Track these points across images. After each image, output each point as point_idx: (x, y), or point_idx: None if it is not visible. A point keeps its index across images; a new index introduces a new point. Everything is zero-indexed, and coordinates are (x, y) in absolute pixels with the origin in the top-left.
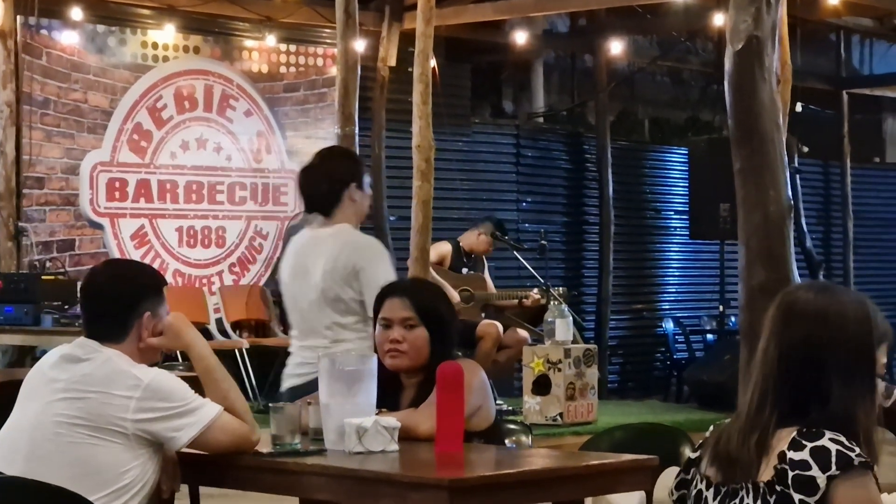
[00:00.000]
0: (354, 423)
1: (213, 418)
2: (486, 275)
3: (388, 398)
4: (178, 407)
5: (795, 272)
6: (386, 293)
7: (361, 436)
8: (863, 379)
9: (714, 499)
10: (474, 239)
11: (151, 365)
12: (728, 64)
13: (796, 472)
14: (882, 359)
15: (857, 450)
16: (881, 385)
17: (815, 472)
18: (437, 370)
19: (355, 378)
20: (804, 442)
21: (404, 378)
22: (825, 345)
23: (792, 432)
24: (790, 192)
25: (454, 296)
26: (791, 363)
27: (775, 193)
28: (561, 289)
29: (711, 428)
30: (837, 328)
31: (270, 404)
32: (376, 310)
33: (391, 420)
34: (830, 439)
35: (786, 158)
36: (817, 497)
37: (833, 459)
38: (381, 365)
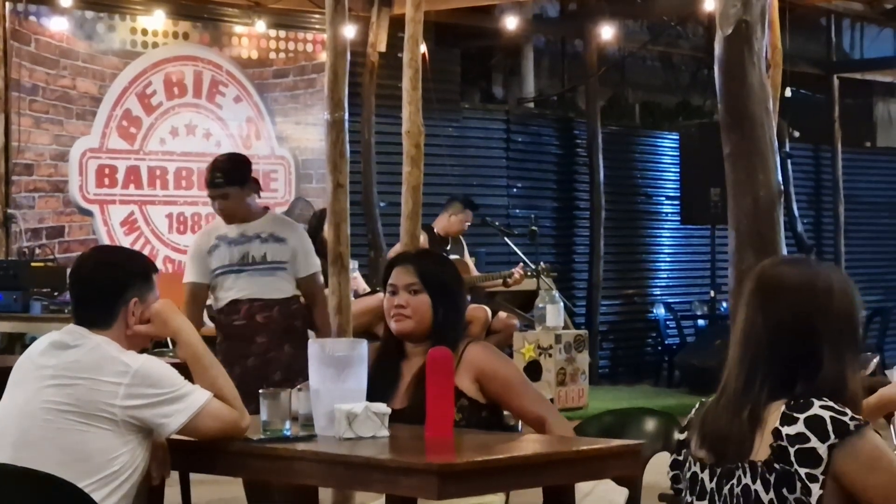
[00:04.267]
0: (345, 408)
1: (203, 405)
2: (467, 258)
3: (391, 368)
4: (168, 393)
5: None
6: (393, 263)
7: (352, 421)
8: (851, 346)
9: (711, 480)
10: (446, 221)
11: (140, 352)
12: (718, 48)
13: (797, 446)
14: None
15: (850, 412)
16: None
17: (814, 443)
18: (427, 355)
19: (345, 363)
20: (795, 415)
21: (409, 347)
22: (816, 315)
23: (780, 406)
24: (780, 177)
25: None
26: (782, 336)
27: (765, 178)
28: (543, 263)
29: (696, 407)
30: (826, 298)
31: (261, 391)
32: (384, 279)
33: (381, 406)
34: (822, 406)
35: (776, 143)
36: (822, 468)
37: (830, 428)
38: (385, 336)
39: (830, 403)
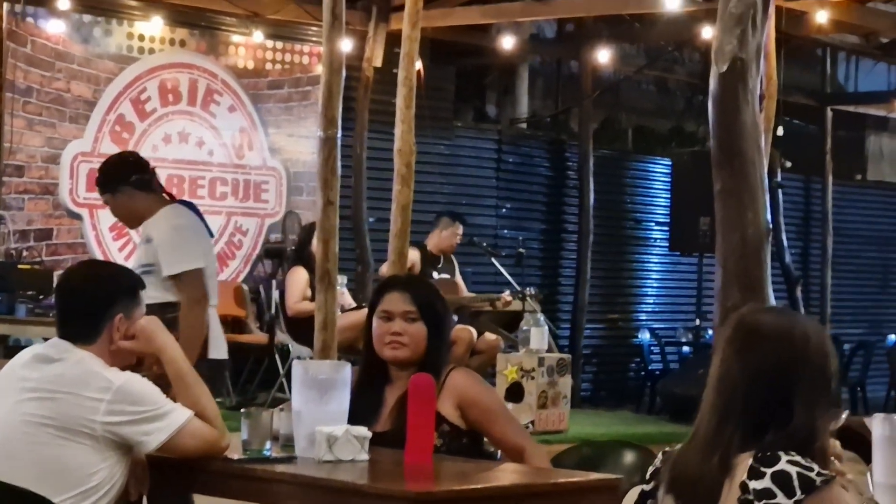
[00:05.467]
0: (325, 431)
1: (183, 423)
2: (458, 278)
3: (374, 391)
4: (149, 411)
5: (771, 295)
6: (386, 287)
7: (332, 444)
8: (823, 398)
9: None
10: (437, 238)
11: (125, 368)
12: (712, 84)
13: (763, 501)
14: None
15: (816, 468)
16: None
17: (780, 499)
18: (409, 381)
19: (328, 386)
20: (762, 469)
21: (395, 370)
22: (791, 366)
23: (748, 458)
24: (770, 215)
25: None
26: (756, 384)
27: (754, 216)
28: (532, 289)
29: (661, 455)
30: (802, 349)
31: (242, 409)
32: (374, 303)
33: (362, 429)
34: (788, 461)
35: (766, 181)
36: None
37: (796, 484)
38: (367, 358)
39: (798, 458)
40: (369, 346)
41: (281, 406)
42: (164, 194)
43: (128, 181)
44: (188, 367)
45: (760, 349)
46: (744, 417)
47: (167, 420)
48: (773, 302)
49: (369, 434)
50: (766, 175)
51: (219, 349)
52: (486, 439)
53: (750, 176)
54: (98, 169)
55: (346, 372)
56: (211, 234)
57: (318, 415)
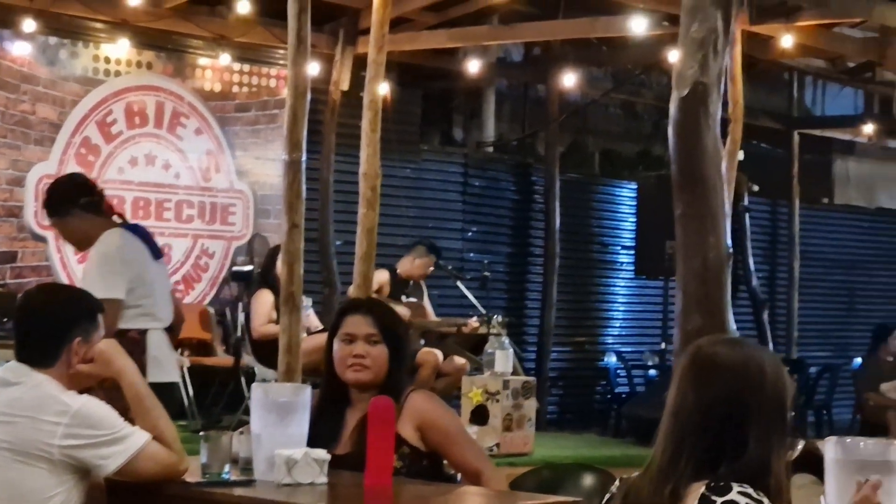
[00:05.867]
0: (284, 454)
1: (141, 447)
2: (426, 302)
3: (335, 414)
4: (106, 434)
5: (731, 320)
6: (347, 310)
7: (291, 467)
8: (778, 431)
9: None
10: (410, 265)
11: (83, 392)
12: (673, 109)
13: None
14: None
15: (766, 501)
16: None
17: None
18: (369, 404)
19: (288, 409)
20: (713, 497)
21: (355, 393)
22: (747, 398)
23: (701, 487)
24: (730, 240)
25: (404, 314)
26: (712, 415)
27: (715, 240)
28: (500, 317)
29: (618, 482)
30: (758, 382)
31: (202, 433)
32: (335, 326)
33: (321, 452)
34: (739, 492)
35: (727, 206)
36: None
37: None
38: (328, 381)
39: (749, 490)
40: (330, 368)
41: (241, 429)
42: (114, 216)
43: (77, 204)
44: (147, 390)
45: (716, 381)
46: (698, 448)
47: (125, 443)
48: (733, 326)
49: (328, 457)
50: (727, 199)
51: (163, 372)
52: (445, 462)
53: (711, 200)
54: (45, 192)
55: (305, 395)
56: (158, 256)
57: (277, 438)
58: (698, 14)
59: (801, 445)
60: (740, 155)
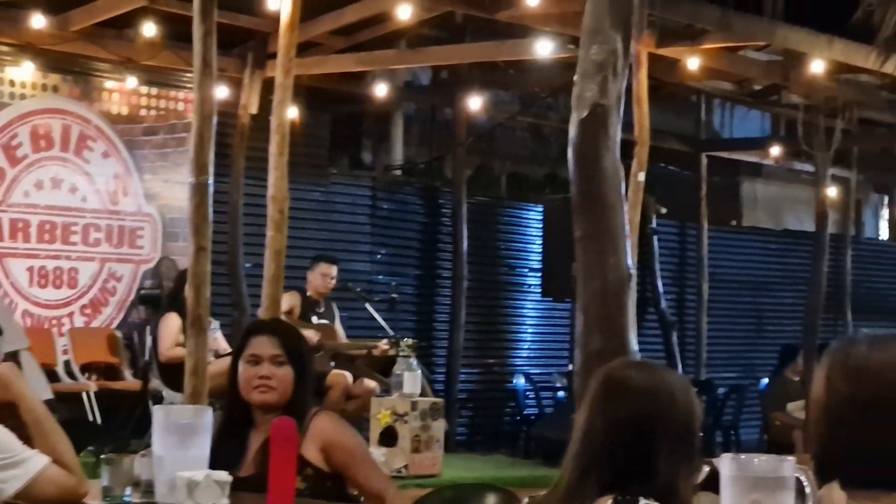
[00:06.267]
0: (186, 476)
1: (40, 470)
2: (337, 324)
3: (239, 436)
4: (4, 458)
5: (633, 341)
6: (252, 331)
7: (192, 490)
8: (687, 454)
9: None
10: (313, 279)
11: None
12: (572, 131)
13: None
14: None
15: None
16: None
17: None
18: (272, 425)
19: (189, 431)
20: None
21: (259, 415)
22: (655, 421)
23: (608, 500)
24: (631, 261)
25: (312, 336)
26: (620, 438)
27: (615, 261)
28: (410, 340)
29: (526, 501)
30: (667, 405)
31: (102, 456)
32: (241, 347)
33: (222, 474)
34: None
35: (627, 227)
36: None
37: None
38: (232, 402)
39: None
40: (234, 390)
41: (142, 451)
42: None
43: None
44: (46, 414)
45: (625, 404)
46: (606, 470)
47: (24, 467)
48: (635, 346)
49: (230, 479)
50: (626, 221)
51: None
52: (349, 483)
53: (611, 221)
54: None
55: (206, 417)
56: None
57: (178, 460)
58: (598, 36)
59: (707, 469)
60: (640, 176)
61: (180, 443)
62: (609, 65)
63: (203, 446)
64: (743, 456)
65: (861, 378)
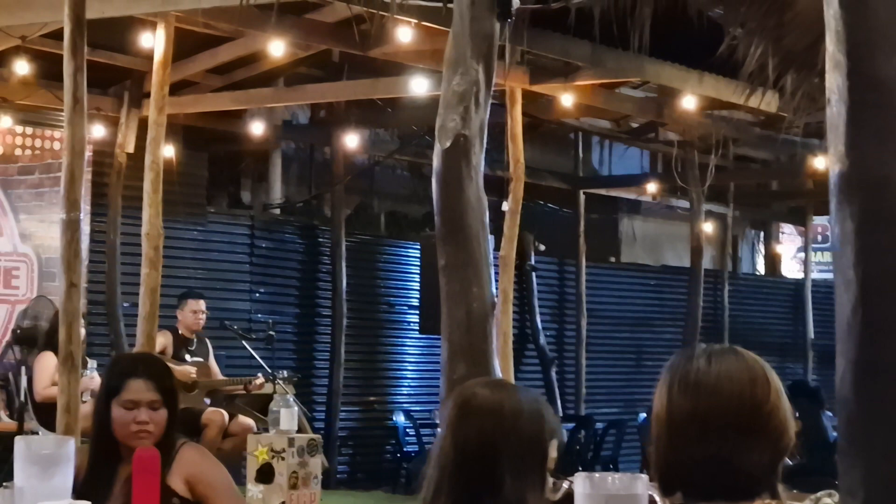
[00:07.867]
0: None
1: None
2: (212, 361)
3: (106, 469)
4: None
5: (497, 368)
6: (126, 374)
7: None
8: (534, 471)
9: None
10: (182, 317)
11: None
12: (436, 162)
13: None
14: (553, 454)
15: None
16: (549, 480)
17: None
18: (133, 455)
19: (51, 461)
20: None
21: (126, 449)
22: (499, 438)
23: None
24: (494, 290)
25: (186, 372)
26: (467, 456)
27: (479, 290)
28: (286, 371)
29: None
30: (512, 423)
31: None
32: (115, 388)
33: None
34: None
35: (491, 256)
36: None
37: None
38: (99, 436)
39: None
40: (103, 424)
41: (6, 483)
42: None
43: None
44: None
45: (469, 422)
46: (456, 488)
47: None
48: (499, 374)
49: None
50: (490, 250)
51: None
52: None
53: (474, 251)
54: None
55: (69, 448)
56: None
57: (40, 491)
58: (459, 67)
59: (565, 486)
60: (504, 206)
61: (42, 473)
62: (471, 95)
63: (65, 477)
64: (597, 475)
65: (700, 392)
